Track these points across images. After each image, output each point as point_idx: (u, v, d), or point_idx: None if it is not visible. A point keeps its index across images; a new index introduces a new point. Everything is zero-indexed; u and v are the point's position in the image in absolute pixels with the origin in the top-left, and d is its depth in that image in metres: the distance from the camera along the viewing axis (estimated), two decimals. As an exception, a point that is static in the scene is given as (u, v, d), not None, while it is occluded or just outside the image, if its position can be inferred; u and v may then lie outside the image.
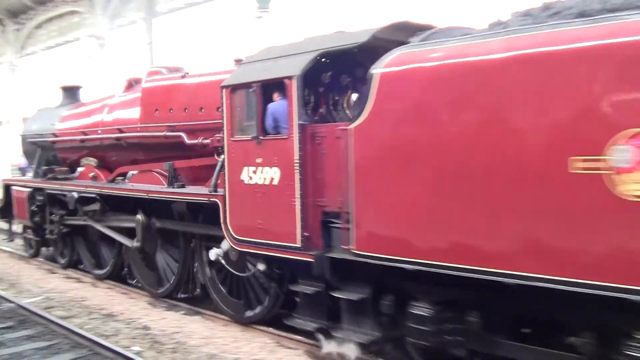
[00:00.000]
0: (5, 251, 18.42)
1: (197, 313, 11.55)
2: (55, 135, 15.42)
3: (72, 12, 42.37)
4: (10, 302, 12.86)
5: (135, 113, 12.67)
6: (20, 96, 49.28)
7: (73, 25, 43.37)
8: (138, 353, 9.58)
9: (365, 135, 7.35)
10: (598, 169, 5.47)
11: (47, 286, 14.38)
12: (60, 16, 44.04)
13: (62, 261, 15.64)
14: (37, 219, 15.67)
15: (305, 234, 8.25)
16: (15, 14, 47.00)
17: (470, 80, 6.39)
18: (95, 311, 12.16)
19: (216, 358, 9.29)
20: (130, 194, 12.14)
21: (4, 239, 19.29)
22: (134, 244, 12.28)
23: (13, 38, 48.10)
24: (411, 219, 6.95)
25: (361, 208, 7.47)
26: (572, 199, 5.67)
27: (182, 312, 11.68)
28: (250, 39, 29.95)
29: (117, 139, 13.18)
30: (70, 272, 15.57)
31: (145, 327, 10.89)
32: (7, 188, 16.94)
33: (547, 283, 5.84)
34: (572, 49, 5.73)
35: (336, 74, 9.15)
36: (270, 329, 10.28)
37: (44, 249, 16.74)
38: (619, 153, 5.33)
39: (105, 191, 13.07)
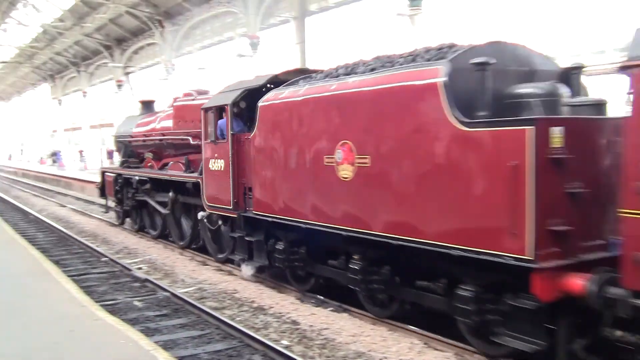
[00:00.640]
0: (102, 220, 24.33)
1: (345, 310, 11.60)
2: (131, 136, 21.43)
3: (227, 13, 43.69)
4: (166, 291, 13.46)
5: (170, 123, 18.40)
6: (177, 93, 51.63)
7: (227, 25, 44.62)
8: (287, 347, 9.71)
9: (255, 141, 12.57)
10: (332, 162, 10.06)
11: (199, 277, 14.93)
12: (215, 16, 45.48)
13: (135, 226, 21.38)
14: (119, 196, 21.72)
15: (234, 200, 13.49)
16: (173, 15, 49.56)
17: (290, 110, 11.22)
18: (246, 304, 12.46)
19: (364, 356, 9.30)
20: (162, 177, 18.10)
21: (102, 211, 25.07)
22: (165, 211, 18.24)
23: (171, 38, 50.46)
24: (273, 192, 11.98)
25: (255, 185, 12.68)
26: (325, 179, 10.25)
27: (331, 308, 11.77)
28: (401, 38, 29.83)
29: (160, 140, 19.22)
30: (222, 266, 16.12)
31: (294, 322, 11.05)
32: (103, 174, 23.33)
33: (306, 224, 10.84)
34: (325, 96, 10.08)
35: (252, 103, 13.14)
36: (419, 330, 10.17)
37: (127, 220, 22.21)
38: (337, 154, 9.82)
39: (150, 176, 19.09)
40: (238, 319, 11.44)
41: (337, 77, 10.67)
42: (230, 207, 13.72)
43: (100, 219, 24.84)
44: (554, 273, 7.23)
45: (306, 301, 12.50)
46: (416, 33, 29.22)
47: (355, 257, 10.42)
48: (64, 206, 30.02)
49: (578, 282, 7.12)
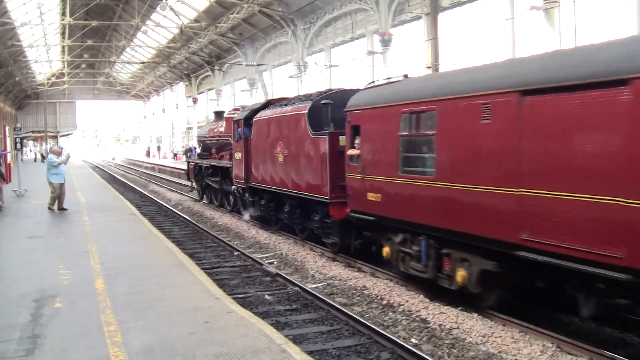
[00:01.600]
0: (190, 198, 33.38)
1: (475, 310, 11.44)
2: (205, 137, 30.84)
3: (358, 10, 43.94)
4: (296, 285, 13.71)
5: (223, 128, 27.25)
6: (307, 90, 52.18)
7: (358, 22, 44.81)
8: (416, 345, 9.72)
9: (252, 141, 21.51)
10: (277, 153, 18.68)
11: (329, 273, 15.14)
12: (346, 14, 45.87)
13: (205, 201, 30.88)
14: (197, 179, 31.38)
15: (245, 177, 22.36)
16: (305, 13, 49.69)
17: (264, 123, 20.14)
18: (375, 301, 12.55)
19: (494, 358, 9.20)
20: (214, 164, 27.75)
21: (189, 191, 35.49)
22: (217, 186, 27.81)
23: (302, 36, 50.84)
24: (258, 171, 20.85)
25: (252, 167, 21.56)
26: (276, 162, 18.79)
27: (460, 307, 11.67)
28: (536, 33, 29.03)
29: (218, 140, 28.48)
30: (350, 261, 16.27)
31: (424, 321, 11.05)
32: (188, 164, 34.47)
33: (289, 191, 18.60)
34: (275, 117, 19.08)
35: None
36: (551, 332, 9.93)
37: (205, 198, 31.43)
38: (277, 148, 18.44)
39: (209, 164, 28.50)
40: (367, 315, 11.54)
41: (280, 106, 19.87)
42: (243, 181, 23.06)
43: (236, 216, 25.72)
44: (339, 206, 15.40)
45: (435, 299, 12.34)
46: (551, 28, 28.45)
47: (286, 204, 19.62)
48: (198, 201, 31.46)
49: (346, 211, 14.89)
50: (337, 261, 16.70)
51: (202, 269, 14.16)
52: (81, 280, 12.26)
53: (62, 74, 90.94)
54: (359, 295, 12.98)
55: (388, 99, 13.14)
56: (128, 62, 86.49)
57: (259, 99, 58.53)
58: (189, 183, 35.76)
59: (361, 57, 43.00)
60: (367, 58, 42.39)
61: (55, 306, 10.37)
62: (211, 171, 29.16)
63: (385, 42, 40.04)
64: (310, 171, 17.25)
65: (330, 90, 19.14)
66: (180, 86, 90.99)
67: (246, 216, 23.92)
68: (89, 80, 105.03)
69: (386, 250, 13.69)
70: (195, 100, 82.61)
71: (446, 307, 11.78)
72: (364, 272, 15.18)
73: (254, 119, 21.95)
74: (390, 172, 12.89)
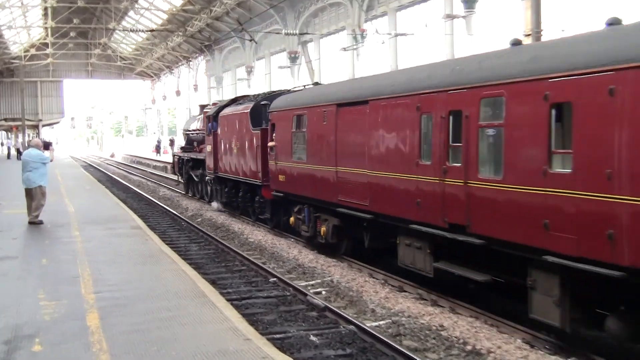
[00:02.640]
0: (176, 192, 43.48)
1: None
2: (189, 130, 43.41)
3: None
4: (351, 323, 13.67)
5: (200, 124, 40.31)
6: (364, 67, 52.58)
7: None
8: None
9: (219, 135, 32.67)
10: (233, 145, 29.67)
11: (394, 307, 15.12)
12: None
13: (190, 193, 40.89)
14: (182, 172, 42.12)
15: (215, 168, 33.40)
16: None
17: (225, 119, 31.92)
18: (456, 345, 12.48)
19: None
20: (195, 157, 39.13)
21: (176, 185, 47.25)
22: (196, 178, 39.05)
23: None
24: (222, 161, 32.17)
25: (218, 158, 32.63)
26: (233, 153, 29.90)
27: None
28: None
29: (197, 134, 40.37)
30: (423, 292, 16.25)
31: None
32: (173, 157, 47.44)
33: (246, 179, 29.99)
34: (231, 114, 30.88)
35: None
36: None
37: (189, 191, 41.52)
38: (233, 141, 29.61)
39: (190, 157, 39.72)
40: (446, 365, 12.03)
41: (238, 104, 30.93)
42: (212, 172, 34.11)
43: (274, 231, 26.68)
44: (267, 188, 25.72)
45: (538, 345, 12.28)
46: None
47: (240, 190, 30.69)
48: (223, 212, 32.71)
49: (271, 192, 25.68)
50: (406, 292, 16.71)
51: (228, 300, 14.18)
52: (69, 314, 12.22)
53: (45, 45, 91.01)
54: (434, 338, 12.89)
55: (286, 104, 24.27)
56: (132, 30, 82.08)
57: (302, 79, 58.96)
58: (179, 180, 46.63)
59: (437, 23, 42.68)
60: (445, 24, 42.24)
61: (33, 349, 10.30)
62: (192, 164, 40.19)
63: (469, 4, 40.13)
64: (251, 160, 28.45)
65: (272, 92, 31.16)
66: (200, 62, 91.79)
67: (215, 204, 34.61)
68: (80, 54, 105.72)
69: (291, 219, 24.10)
70: (219, 80, 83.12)
71: (553, 357, 11.68)
72: (441, 306, 15.17)
73: (220, 115, 33.36)
74: (288, 158, 23.74)
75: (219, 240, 25.46)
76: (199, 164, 38.74)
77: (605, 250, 11.03)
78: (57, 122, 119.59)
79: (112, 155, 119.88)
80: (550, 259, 12.16)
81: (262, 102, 28.24)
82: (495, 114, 13.59)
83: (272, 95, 29.16)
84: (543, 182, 12.15)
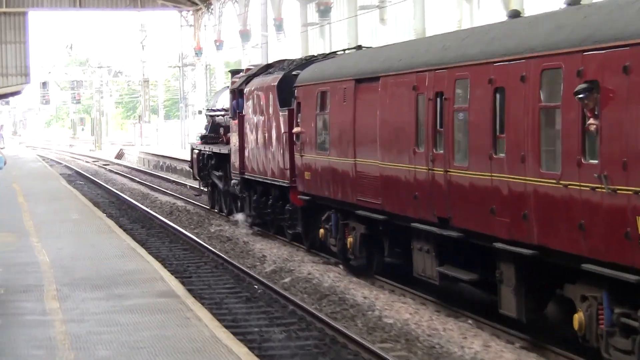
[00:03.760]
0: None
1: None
2: (212, 111, 40.92)
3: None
4: None
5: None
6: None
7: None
8: None
9: (245, 118, 32.92)
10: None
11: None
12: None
13: (216, 208, 40.47)
14: (203, 174, 40.48)
15: (241, 167, 33.50)
16: None
17: (256, 96, 31.55)
18: None
19: None
20: (218, 150, 38.06)
21: (197, 196, 47.45)
22: (220, 184, 37.59)
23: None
24: (252, 158, 32.15)
25: (246, 151, 32.85)
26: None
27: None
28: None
29: (224, 115, 39.92)
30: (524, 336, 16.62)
31: None
32: (191, 152, 42.55)
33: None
34: (261, 86, 31.72)
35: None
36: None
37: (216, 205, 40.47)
38: (262, 129, 31.17)
39: (212, 150, 38.83)
40: None
41: (267, 74, 31.54)
42: (238, 173, 33.60)
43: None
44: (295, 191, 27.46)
45: None
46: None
47: (271, 196, 31.11)
48: (251, 228, 33.68)
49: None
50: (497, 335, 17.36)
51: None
52: None
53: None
54: None
55: (312, 77, 25.01)
56: None
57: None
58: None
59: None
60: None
61: None
62: (215, 161, 37.11)
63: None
64: (279, 153, 27.47)
65: (309, 58, 29.37)
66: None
67: (240, 217, 32.87)
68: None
69: (321, 231, 25.47)
70: (278, 26, 74.15)
71: None
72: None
73: (246, 89, 31.22)
74: (312, 149, 24.98)
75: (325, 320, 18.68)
76: (224, 161, 35.56)
77: (523, 230, 15.19)
78: (17, 92, 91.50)
79: (120, 156, 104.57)
80: (499, 245, 15.89)
81: (294, 72, 26.49)
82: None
83: (307, 62, 27.66)
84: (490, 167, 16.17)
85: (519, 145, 15.26)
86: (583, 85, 13.23)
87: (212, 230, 35.76)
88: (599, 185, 13.03)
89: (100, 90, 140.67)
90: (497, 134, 16.14)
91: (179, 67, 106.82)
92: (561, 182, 14.00)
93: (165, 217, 40.47)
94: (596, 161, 13.21)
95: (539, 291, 15.89)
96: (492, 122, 16.28)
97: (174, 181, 63.18)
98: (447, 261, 18.74)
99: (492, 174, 16.09)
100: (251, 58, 76.99)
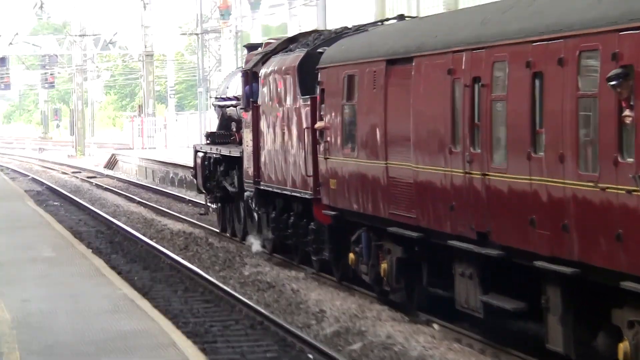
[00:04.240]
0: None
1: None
2: (221, 99, 42.02)
3: None
4: None
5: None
6: None
7: None
8: None
9: (260, 110, 34.29)
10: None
11: None
12: None
13: (228, 231, 40.75)
14: (210, 184, 41.87)
15: (255, 174, 34.98)
16: None
17: (273, 80, 32.86)
18: None
19: None
20: (228, 152, 38.66)
21: (203, 215, 48.27)
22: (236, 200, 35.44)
23: None
24: (270, 163, 34.03)
25: (262, 154, 34.49)
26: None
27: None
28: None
29: (235, 106, 40.66)
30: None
31: None
32: (195, 154, 42.93)
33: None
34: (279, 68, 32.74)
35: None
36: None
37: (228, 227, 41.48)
38: (280, 125, 31.92)
39: (221, 153, 39.70)
40: None
41: (286, 53, 31.93)
42: (252, 182, 34.76)
43: None
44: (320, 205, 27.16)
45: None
46: None
47: (293, 212, 31.22)
48: (270, 258, 34.26)
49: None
50: None
51: None
52: None
53: None
54: None
55: (337, 56, 25.58)
56: None
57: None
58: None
59: None
60: None
61: None
62: (224, 167, 36.93)
63: None
64: (299, 155, 26.98)
65: (344, 30, 28.38)
66: None
67: (254, 244, 33.35)
68: None
69: (350, 256, 25.87)
70: None
71: None
72: None
73: (261, 71, 30.74)
74: (338, 149, 25.72)
75: None
76: (236, 167, 35.66)
77: (564, 244, 16.64)
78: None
79: (112, 164, 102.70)
80: (539, 264, 16.69)
81: (320, 49, 26.77)
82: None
83: (336, 36, 28.28)
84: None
85: (557, 141, 15.97)
86: (617, 71, 13.89)
87: (247, 273, 33.30)
88: (635, 188, 13.81)
89: (84, 69, 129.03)
90: (537, 128, 16.88)
91: (197, 34, 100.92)
92: (599, 184, 14.78)
93: (178, 254, 38.01)
94: (632, 159, 14.01)
95: (588, 319, 16.44)
96: (530, 114, 16.98)
97: (189, 201, 60.54)
98: (492, 287, 19.24)
99: (532, 177, 16.77)
100: (302, 21, 74.11)
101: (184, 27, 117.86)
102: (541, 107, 17.20)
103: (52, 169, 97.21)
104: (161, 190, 69.18)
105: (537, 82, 17.31)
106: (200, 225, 46.45)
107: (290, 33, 46.95)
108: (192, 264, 34.32)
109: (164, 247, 39.17)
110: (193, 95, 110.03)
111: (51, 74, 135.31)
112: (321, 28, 43.93)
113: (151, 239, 41.61)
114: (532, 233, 17.10)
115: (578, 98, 15.82)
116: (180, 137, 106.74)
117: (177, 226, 46.52)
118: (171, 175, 75.78)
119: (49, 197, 65.06)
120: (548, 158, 16.64)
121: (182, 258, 35.89)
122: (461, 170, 19.52)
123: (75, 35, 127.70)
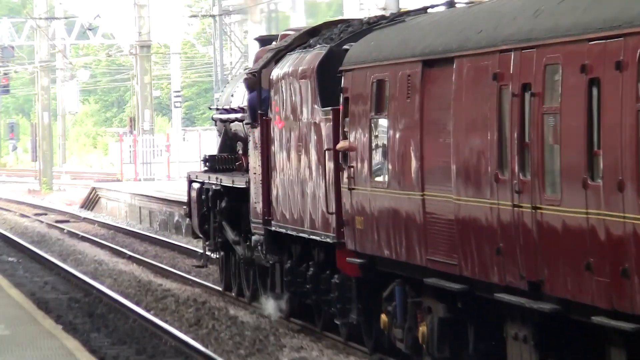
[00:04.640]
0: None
1: None
2: (222, 111, 43.54)
3: None
4: None
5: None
6: None
7: None
8: None
9: (272, 125, 35.83)
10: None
11: None
12: None
13: (233, 290, 39.79)
14: (208, 226, 42.72)
15: (265, 212, 36.12)
16: None
17: (288, 86, 33.44)
18: None
19: None
20: (230, 183, 37.50)
21: (203, 268, 50.75)
22: (239, 249, 34.47)
23: None
24: (283, 197, 34.92)
25: (273, 185, 34.92)
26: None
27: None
28: None
29: (241, 120, 43.34)
30: None
31: None
32: (189, 185, 43.18)
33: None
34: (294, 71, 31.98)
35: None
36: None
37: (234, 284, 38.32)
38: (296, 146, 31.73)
39: (222, 184, 40.19)
40: None
41: (304, 50, 31.84)
42: (260, 222, 35.28)
43: None
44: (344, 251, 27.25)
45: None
46: None
47: (312, 262, 31.05)
48: (287, 325, 32.80)
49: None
50: None
51: None
52: None
53: None
54: None
55: (365, 55, 26.06)
56: None
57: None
58: None
59: None
60: None
61: None
62: (227, 204, 36.75)
63: None
64: (318, 187, 26.82)
65: (379, 19, 27.30)
66: None
67: (269, 306, 33.16)
68: None
69: (382, 318, 25.25)
70: None
71: None
72: None
73: (273, 73, 30.65)
74: (366, 177, 26.37)
75: None
76: (242, 201, 34.85)
77: (624, 294, 16.20)
78: None
79: (92, 202, 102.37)
80: (596, 320, 16.34)
81: (346, 46, 26.81)
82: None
83: (368, 28, 28.27)
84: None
85: (616, 165, 15.50)
86: None
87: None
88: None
89: (52, 67, 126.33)
90: (594, 148, 16.30)
91: (213, 17, 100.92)
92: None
93: (186, 333, 37.36)
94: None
95: None
96: (586, 131, 16.40)
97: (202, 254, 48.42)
98: (553, 351, 18.80)
99: (588, 210, 16.24)
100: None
101: (195, 5, 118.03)
102: (599, 122, 16.57)
103: (6, 209, 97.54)
104: (162, 241, 69.63)
105: (594, 91, 16.70)
106: (219, 291, 46.11)
107: (348, 14, 44.74)
108: (206, 347, 32.96)
109: (166, 322, 38.90)
110: (207, 102, 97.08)
111: (5, 74, 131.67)
112: (392, 7, 46.67)
113: (148, 311, 41.26)
114: (588, 280, 16.50)
115: (638, 111, 15.24)
116: (190, 163, 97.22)
117: (185, 291, 46.59)
118: (176, 218, 75.19)
119: (2, 250, 64.84)
120: (606, 186, 16.05)
121: (193, 338, 34.96)
122: (509, 203, 18.90)
123: (40, 19, 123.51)
